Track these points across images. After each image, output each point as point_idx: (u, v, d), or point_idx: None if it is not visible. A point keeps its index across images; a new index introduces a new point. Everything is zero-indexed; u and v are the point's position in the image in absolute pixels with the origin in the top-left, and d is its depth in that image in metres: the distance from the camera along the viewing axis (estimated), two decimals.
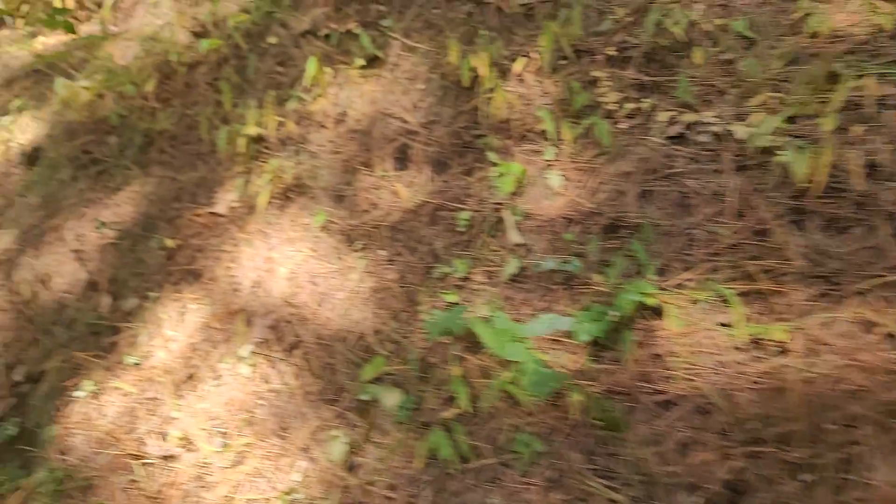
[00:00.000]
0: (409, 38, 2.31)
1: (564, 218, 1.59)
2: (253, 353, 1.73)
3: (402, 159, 2.00)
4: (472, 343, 1.43)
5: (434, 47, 2.21)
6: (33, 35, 3.31)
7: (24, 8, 3.41)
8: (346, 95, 2.23)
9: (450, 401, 1.40)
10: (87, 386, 1.82)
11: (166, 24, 2.89)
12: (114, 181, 2.40)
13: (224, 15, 2.77)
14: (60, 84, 2.74)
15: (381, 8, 2.49)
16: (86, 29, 3.18)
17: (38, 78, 3.04)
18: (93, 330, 2.00)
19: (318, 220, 1.91)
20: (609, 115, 1.73)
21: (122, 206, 2.30)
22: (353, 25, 2.46)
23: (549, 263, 1.45)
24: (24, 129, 2.75)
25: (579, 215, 1.57)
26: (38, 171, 2.59)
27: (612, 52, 1.85)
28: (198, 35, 2.81)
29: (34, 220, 2.38)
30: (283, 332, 1.75)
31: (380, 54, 2.28)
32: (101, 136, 2.59)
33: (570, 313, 1.38)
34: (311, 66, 2.18)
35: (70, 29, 2.18)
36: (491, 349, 1.29)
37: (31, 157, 2.66)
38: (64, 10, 2.13)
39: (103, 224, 2.18)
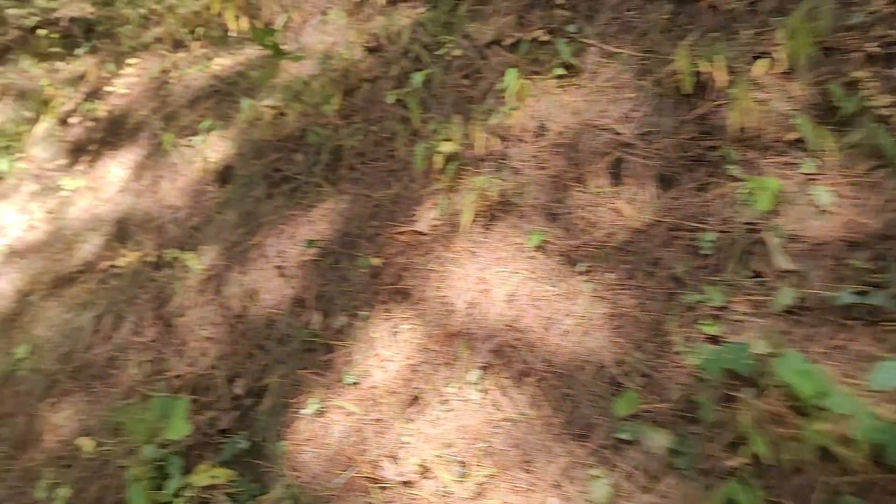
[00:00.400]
0: (606, 43, 2.19)
1: (844, 241, 1.41)
2: (480, 378, 1.69)
3: (617, 174, 1.88)
4: (752, 383, 1.30)
5: (639, 51, 2.08)
6: (208, 56, 3.50)
7: (200, 30, 3.62)
8: (543, 107, 2.14)
9: (732, 447, 1.27)
10: (313, 404, 1.87)
11: (341, 40, 2.94)
12: (307, 198, 2.46)
13: (398, 29, 2.78)
14: (246, 104, 2.87)
15: (566, 13, 2.39)
16: (259, 49, 3.31)
17: (218, 98, 3.21)
18: (307, 347, 2.05)
19: (534, 240, 1.84)
20: (882, 121, 1.52)
21: (319, 224, 2.35)
22: (538, 33, 2.38)
23: (846, 296, 1.29)
24: (215, 149, 2.90)
25: (865, 238, 1.39)
26: (232, 188, 2.72)
27: (872, 48, 1.64)
28: (371, 50, 2.84)
29: (236, 236, 2.49)
30: (509, 358, 1.70)
31: (575, 62, 2.18)
32: (288, 154, 2.67)
33: (877, 355, 1.22)
34: (512, 78, 2.12)
35: (278, 51, 2.27)
36: (806, 397, 1.15)
37: (223, 175, 2.81)
38: (272, 32, 2.21)
39: (312, 242, 2.23)
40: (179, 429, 1.71)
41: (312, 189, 2.49)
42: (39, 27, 4.47)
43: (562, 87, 2.16)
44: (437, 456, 1.61)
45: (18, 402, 2.48)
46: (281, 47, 2.37)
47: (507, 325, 1.75)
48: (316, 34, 3.14)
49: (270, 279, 2.31)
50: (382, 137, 2.47)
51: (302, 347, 2.06)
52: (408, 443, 1.68)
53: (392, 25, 2.80)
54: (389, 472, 1.64)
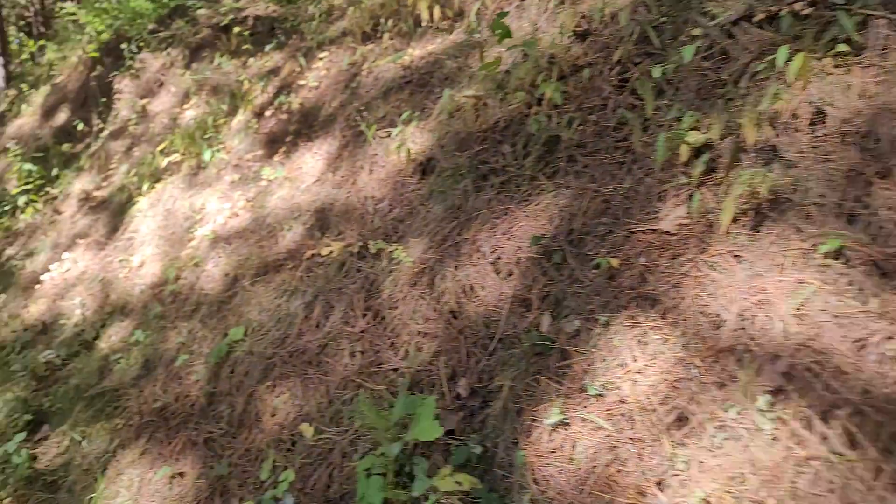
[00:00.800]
0: None
1: None
2: (770, 404, 1.46)
3: None
4: None
5: None
6: (397, 48, 3.50)
7: (389, 22, 3.64)
8: (817, 90, 1.84)
9: None
10: (554, 413, 1.73)
11: (543, 25, 2.79)
12: (520, 192, 2.34)
13: (613, 10, 2.57)
14: (446, 94, 2.81)
15: None
16: (452, 38, 3.25)
17: (411, 89, 3.19)
18: (537, 350, 1.92)
19: (828, 246, 1.57)
20: None
21: (537, 219, 2.21)
22: (799, 6, 2.06)
23: None
24: (414, 140, 2.87)
25: None
26: (435, 180, 2.67)
27: None
28: (581, 35, 2.65)
29: (446, 230, 2.42)
30: (807, 384, 1.45)
31: (855, 37, 1.85)
32: (495, 145, 2.57)
33: None
34: (783, 57, 1.84)
35: (507, 36, 2.16)
36: None
37: (424, 166, 2.76)
38: (504, 14, 2.11)
39: (537, 238, 2.10)
40: (429, 430, 1.64)
41: (525, 182, 2.36)
42: (232, 25, 4.77)
43: (841, 66, 1.84)
44: (725, 491, 1.40)
45: (236, 382, 2.59)
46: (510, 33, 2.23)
47: (799, 345, 1.50)
48: (513, 20, 3.01)
49: (486, 276, 2.20)
50: (606, 127, 2.28)
51: (531, 351, 1.93)
52: (680, 471, 1.48)
53: (606, 7, 2.59)
54: (662, 501, 1.46)
